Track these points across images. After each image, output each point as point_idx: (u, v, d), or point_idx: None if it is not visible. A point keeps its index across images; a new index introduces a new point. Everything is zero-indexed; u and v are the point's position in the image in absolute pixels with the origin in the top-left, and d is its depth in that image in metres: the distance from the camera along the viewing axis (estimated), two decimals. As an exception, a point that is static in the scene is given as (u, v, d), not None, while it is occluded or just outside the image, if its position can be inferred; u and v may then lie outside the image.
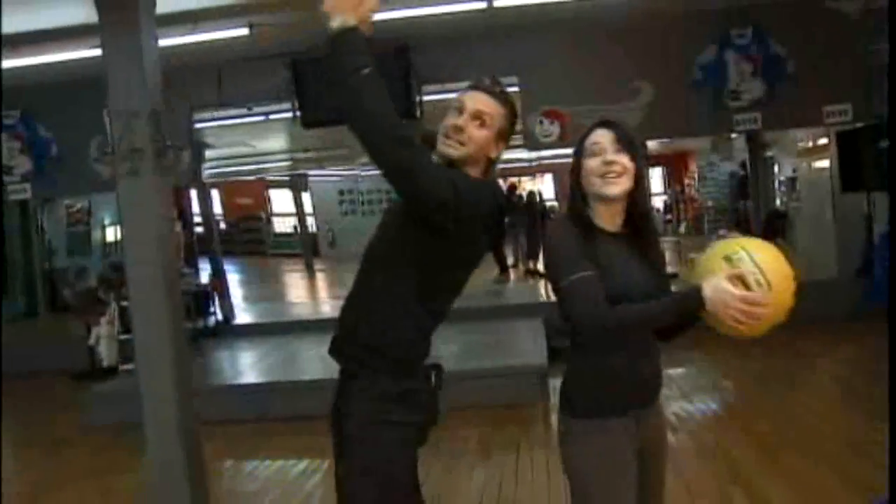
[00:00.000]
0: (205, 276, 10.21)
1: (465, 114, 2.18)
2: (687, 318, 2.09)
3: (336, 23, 1.95)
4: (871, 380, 5.99)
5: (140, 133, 3.36)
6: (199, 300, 9.26)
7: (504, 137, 2.25)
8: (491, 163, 2.26)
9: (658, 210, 20.61)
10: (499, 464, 4.67)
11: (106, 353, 8.05)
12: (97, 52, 6.73)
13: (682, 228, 19.92)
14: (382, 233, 2.27)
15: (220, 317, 9.70)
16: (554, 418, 2.28)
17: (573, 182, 2.23)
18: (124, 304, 7.97)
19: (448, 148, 2.18)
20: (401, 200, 2.11)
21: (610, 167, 2.14)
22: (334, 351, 2.27)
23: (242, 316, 10.41)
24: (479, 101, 2.20)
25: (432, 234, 2.06)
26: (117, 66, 3.37)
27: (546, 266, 2.17)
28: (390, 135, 1.93)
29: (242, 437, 5.64)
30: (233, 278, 15.14)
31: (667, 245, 12.88)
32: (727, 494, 4.06)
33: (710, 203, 19.12)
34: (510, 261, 13.59)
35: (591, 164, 2.16)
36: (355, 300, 2.25)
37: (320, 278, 16.98)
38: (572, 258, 2.08)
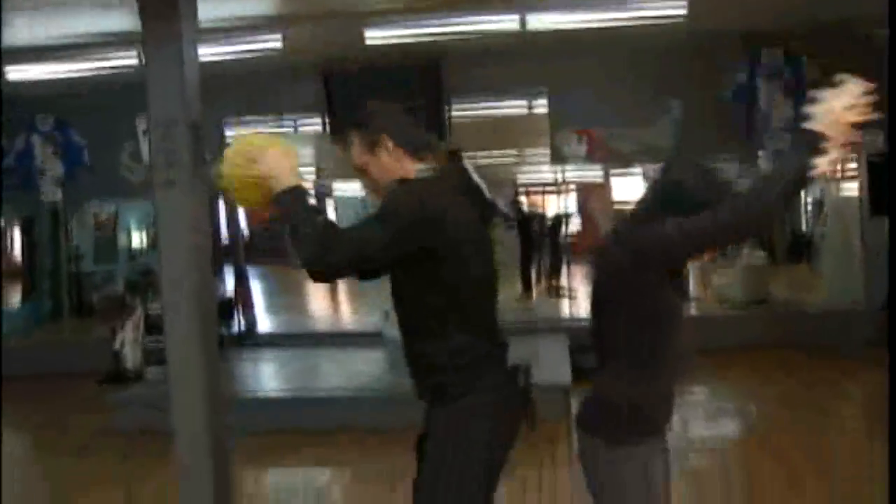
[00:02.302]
0: (229, 286, 10.27)
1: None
2: None
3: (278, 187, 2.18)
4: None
5: (179, 143, 3.39)
6: (223, 309, 9.30)
7: (380, 144, 2.31)
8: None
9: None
10: (521, 479, 4.65)
11: (131, 358, 8.09)
12: (132, 60, 6.85)
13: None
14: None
15: (243, 326, 9.75)
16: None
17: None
18: (150, 309, 8.04)
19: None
20: None
21: None
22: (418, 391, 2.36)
23: (265, 325, 10.44)
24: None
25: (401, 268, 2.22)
26: (158, 75, 3.41)
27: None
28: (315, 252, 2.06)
29: (262, 448, 5.66)
30: (255, 288, 15.22)
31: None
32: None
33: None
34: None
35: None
36: (405, 340, 2.34)
37: (341, 290, 17.00)
38: None
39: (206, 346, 3.62)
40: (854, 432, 5.75)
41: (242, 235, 14.94)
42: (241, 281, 10.32)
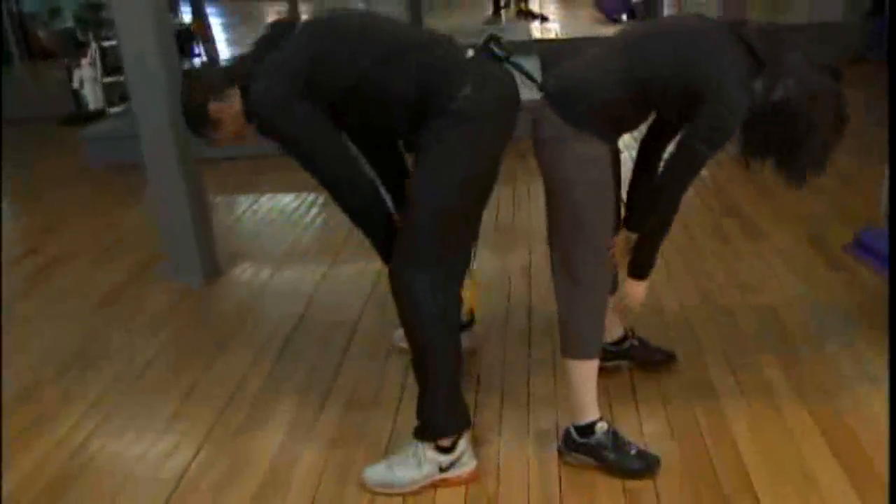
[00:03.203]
0: (186, 19, 9.80)
1: None
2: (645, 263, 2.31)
3: None
4: (869, 121, 5.96)
5: None
6: (183, 42, 8.92)
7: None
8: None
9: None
10: (495, 194, 4.72)
11: (91, 97, 7.88)
12: None
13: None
14: None
15: (205, 59, 9.41)
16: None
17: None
18: (105, 44, 7.70)
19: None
20: None
21: None
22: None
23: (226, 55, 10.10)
24: None
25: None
26: None
27: (706, 114, 1.98)
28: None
29: (237, 173, 5.66)
30: (214, 22, 14.57)
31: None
32: (720, 225, 4.17)
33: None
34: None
35: None
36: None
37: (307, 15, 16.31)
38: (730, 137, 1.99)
39: (167, 70, 3.49)
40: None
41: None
42: (198, 13, 9.83)
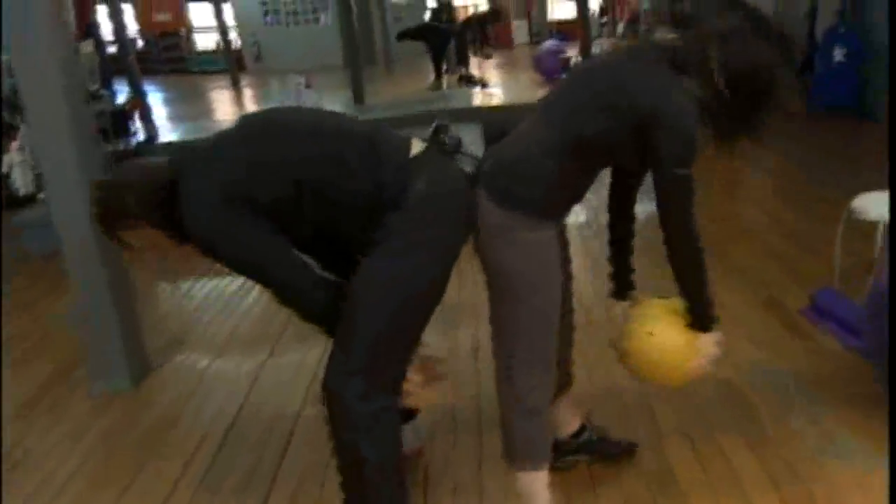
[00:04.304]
0: (122, 98, 9.60)
1: None
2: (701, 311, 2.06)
3: None
4: (809, 177, 6.02)
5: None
6: (118, 121, 8.72)
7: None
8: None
9: (593, 12, 20.02)
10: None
11: (21, 182, 7.58)
12: None
13: (619, 29, 19.46)
14: None
15: (142, 137, 9.20)
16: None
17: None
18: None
19: None
20: None
21: None
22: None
23: (167, 135, 9.89)
24: None
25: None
26: None
27: (663, 145, 1.85)
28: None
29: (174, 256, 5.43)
30: (155, 98, 14.42)
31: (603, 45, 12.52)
32: (673, 290, 4.03)
33: (645, 6, 18.56)
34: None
35: None
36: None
37: (247, 94, 16.27)
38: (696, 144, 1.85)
39: (83, 154, 3.29)
40: (772, 197, 5.85)
41: (133, 44, 13.94)
42: (136, 91, 9.65)
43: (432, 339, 3.59)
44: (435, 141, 2.10)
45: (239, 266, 1.99)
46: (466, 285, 4.41)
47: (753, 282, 4.05)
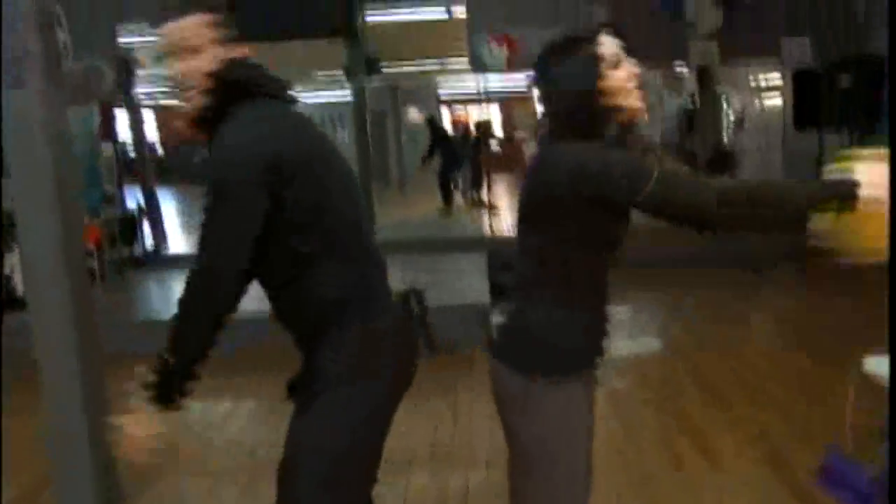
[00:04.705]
0: (133, 203, 9.69)
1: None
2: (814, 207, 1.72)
3: None
4: (820, 323, 5.90)
5: (27, 35, 2.90)
6: (127, 228, 8.76)
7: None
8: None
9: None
10: (436, 408, 4.40)
11: (21, 284, 7.54)
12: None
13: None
14: None
15: (149, 246, 9.23)
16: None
17: (574, 105, 1.83)
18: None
19: None
20: None
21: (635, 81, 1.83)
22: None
23: (177, 245, 9.93)
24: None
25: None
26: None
27: (606, 184, 1.76)
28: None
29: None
30: (168, 206, 14.56)
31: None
32: (676, 445, 3.87)
33: (656, 138, 18.98)
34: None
35: (621, 75, 1.82)
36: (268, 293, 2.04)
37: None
38: (635, 161, 1.78)
39: (70, 268, 3.19)
40: (780, 345, 5.72)
41: (153, 152, 14.21)
42: (149, 200, 9.75)
43: (422, 482, 3.46)
44: (405, 301, 2.06)
45: (207, 227, 1.83)
46: (461, 426, 4.26)
47: (759, 436, 3.87)
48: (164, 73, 1.93)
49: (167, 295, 7.79)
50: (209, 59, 1.85)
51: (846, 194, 1.67)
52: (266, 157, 1.77)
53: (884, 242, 1.72)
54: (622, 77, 1.81)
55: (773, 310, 6.74)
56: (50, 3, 3.05)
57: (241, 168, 1.77)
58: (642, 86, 1.85)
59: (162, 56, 1.91)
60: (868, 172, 1.70)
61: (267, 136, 1.81)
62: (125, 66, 8.86)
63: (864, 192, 1.67)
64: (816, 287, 6.77)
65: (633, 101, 1.85)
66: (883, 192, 1.67)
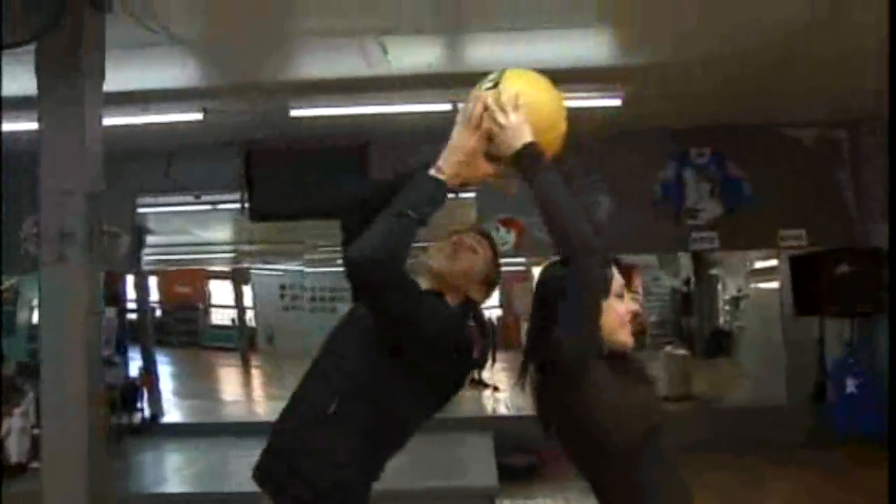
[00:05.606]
0: (134, 368, 9.64)
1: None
2: None
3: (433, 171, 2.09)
4: None
5: (73, 215, 3.02)
6: (127, 394, 8.67)
7: None
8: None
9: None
10: None
11: (16, 449, 7.37)
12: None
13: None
14: None
15: (147, 414, 9.10)
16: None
17: None
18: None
19: None
20: None
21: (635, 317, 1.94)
22: None
23: (172, 413, 9.79)
24: None
25: None
26: (54, 138, 3.06)
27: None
28: None
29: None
30: (164, 371, 14.46)
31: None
32: None
33: (653, 318, 19.11)
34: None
35: (620, 308, 1.91)
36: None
37: (255, 375, 16.33)
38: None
39: (89, 441, 3.18)
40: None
41: (153, 314, 14.28)
42: (148, 364, 9.70)
43: None
44: None
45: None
46: None
47: None
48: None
49: (160, 470, 7.61)
50: None
51: None
52: None
53: None
54: (621, 312, 1.92)
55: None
56: (98, 181, 3.19)
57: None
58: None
59: None
60: None
61: None
62: (141, 235, 9.08)
63: None
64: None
65: (624, 337, 1.94)
66: None
